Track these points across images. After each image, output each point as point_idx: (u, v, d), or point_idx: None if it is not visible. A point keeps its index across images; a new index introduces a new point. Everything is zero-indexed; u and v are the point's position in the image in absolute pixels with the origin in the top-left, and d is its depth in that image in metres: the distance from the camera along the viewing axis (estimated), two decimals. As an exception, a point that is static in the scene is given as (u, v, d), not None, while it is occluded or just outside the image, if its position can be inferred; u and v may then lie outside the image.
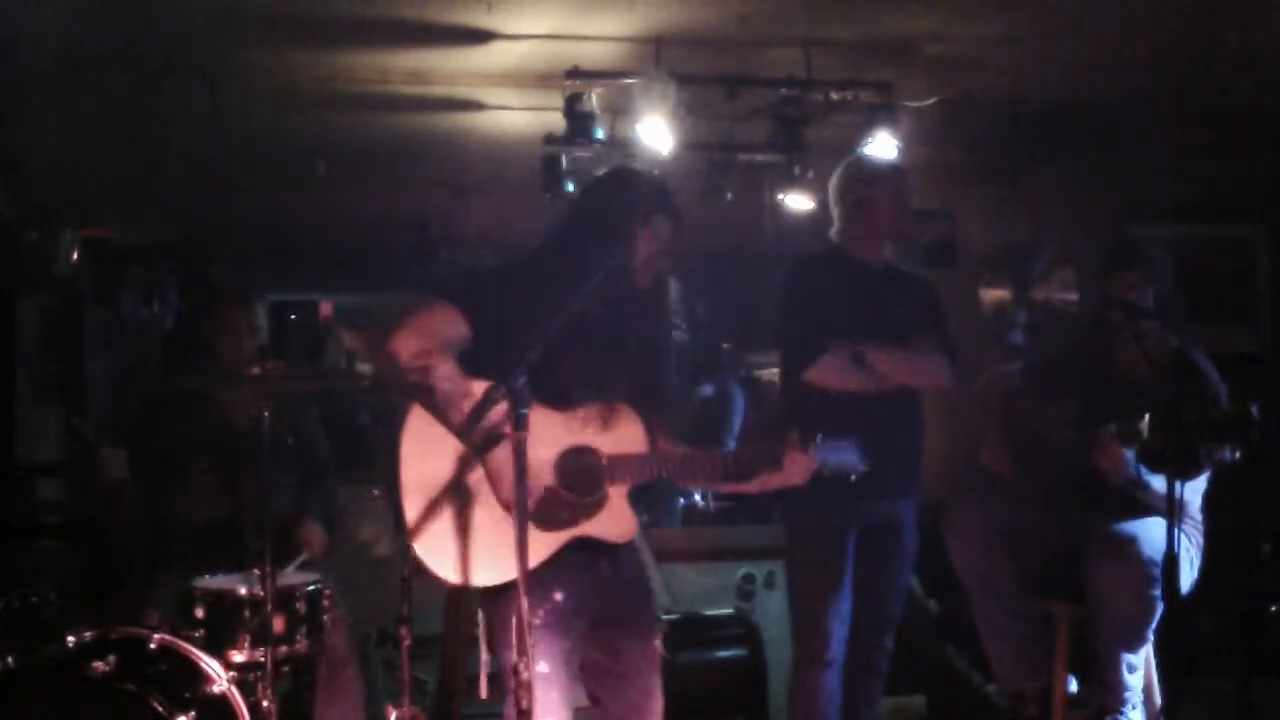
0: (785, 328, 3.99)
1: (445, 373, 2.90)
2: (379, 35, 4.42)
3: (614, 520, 3.02)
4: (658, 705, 3.17)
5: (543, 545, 2.91)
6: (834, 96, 4.61)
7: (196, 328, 4.54)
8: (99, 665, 3.30)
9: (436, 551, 2.92)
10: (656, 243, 3.07)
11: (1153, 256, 4.07)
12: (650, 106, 4.41)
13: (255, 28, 4.28)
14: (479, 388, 2.81)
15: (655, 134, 4.51)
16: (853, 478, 3.20)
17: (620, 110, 4.70)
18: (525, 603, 2.54)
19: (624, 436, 3.02)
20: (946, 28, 4.38)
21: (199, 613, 3.64)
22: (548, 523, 2.93)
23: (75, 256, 6.52)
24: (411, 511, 2.94)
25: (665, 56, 4.45)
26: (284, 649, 3.67)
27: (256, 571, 3.60)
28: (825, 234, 4.08)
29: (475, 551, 2.91)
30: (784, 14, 4.26)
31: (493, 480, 2.92)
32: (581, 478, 2.97)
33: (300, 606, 3.73)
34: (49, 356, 6.81)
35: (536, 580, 2.80)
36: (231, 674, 3.52)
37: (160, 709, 3.27)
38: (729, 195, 5.21)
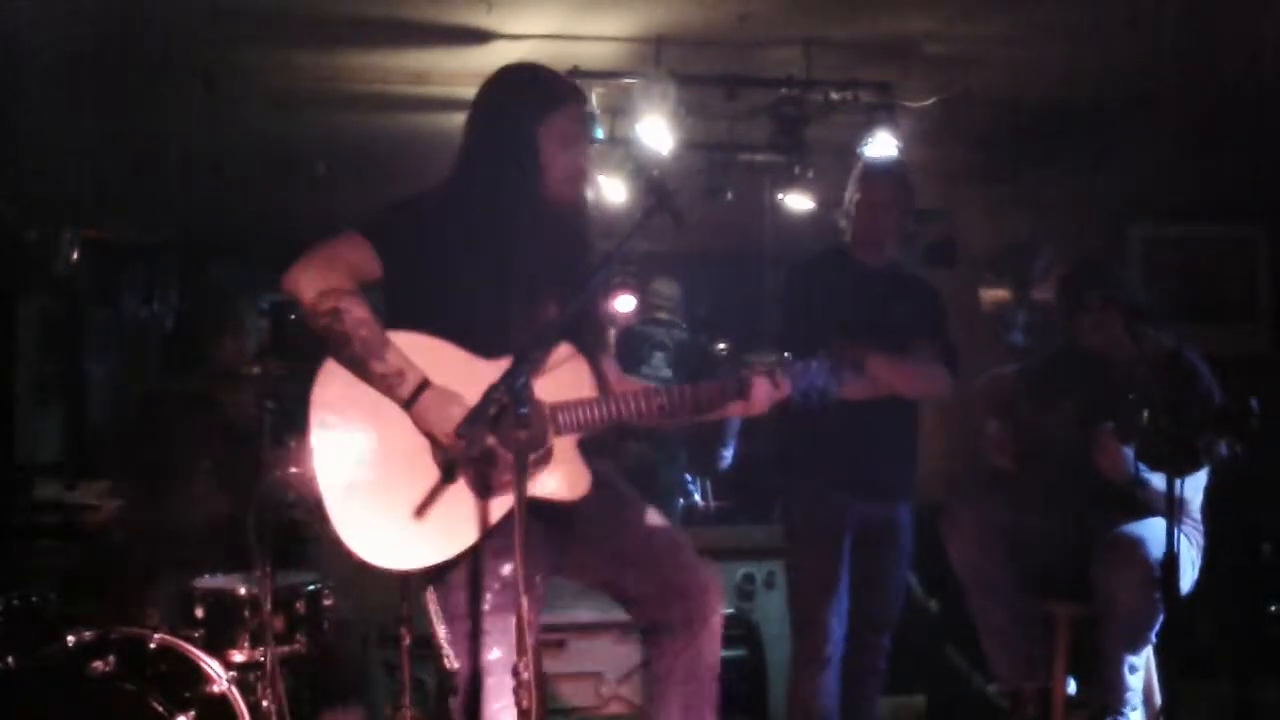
0: (785, 330, 4.00)
1: (361, 317, 2.56)
2: (379, 35, 4.42)
3: (564, 477, 2.67)
4: (690, 553, 2.85)
5: (487, 515, 2.59)
6: (834, 96, 4.61)
7: (196, 328, 4.53)
8: (99, 665, 3.30)
9: (369, 535, 2.57)
10: (566, 142, 2.74)
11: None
12: (650, 106, 4.42)
13: (255, 28, 4.28)
14: (400, 338, 2.59)
15: (655, 134, 4.51)
16: (831, 393, 2.90)
17: (620, 110, 4.70)
18: (525, 601, 2.35)
19: (567, 380, 2.68)
20: (946, 28, 4.38)
21: (199, 613, 3.64)
22: (488, 488, 2.59)
23: (75, 256, 6.52)
24: (332, 493, 2.57)
25: (665, 56, 4.45)
26: (284, 649, 3.67)
27: (256, 571, 3.60)
28: (825, 234, 4.09)
29: (418, 527, 2.57)
30: (784, 14, 4.26)
31: (429, 435, 2.58)
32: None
33: (300, 606, 3.73)
34: (49, 356, 6.81)
35: (490, 555, 2.59)
36: (231, 674, 3.52)
37: (160, 709, 3.27)
38: (729, 195, 5.21)
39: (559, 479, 2.68)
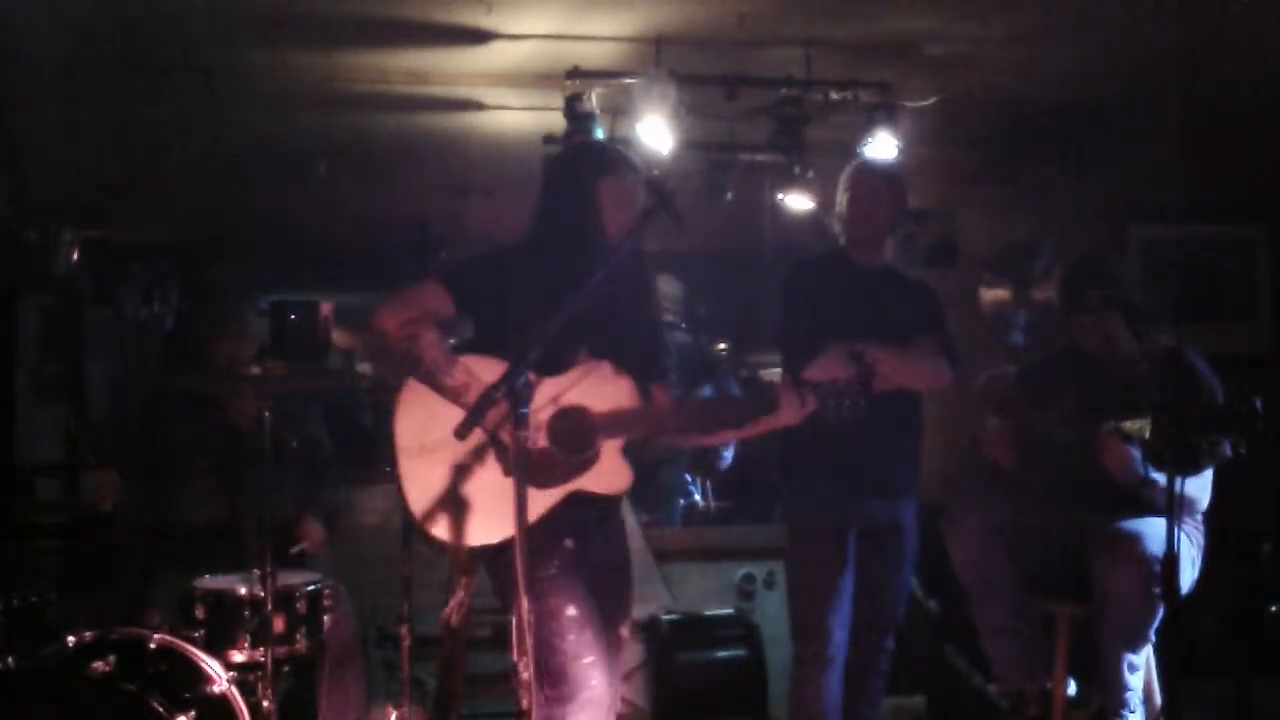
0: (785, 328, 4.00)
1: (431, 340, 3.07)
2: (379, 35, 4.42)
3: (607, 474, 3.14)
4: (614, 693, 3.20)
5: (538, 502, 3.01)
6: (834, 96, 4.61)
7: (196, 328, 4.53)
8: (99, 665, 3.30)
9: (434, 513, 3.05)
10: (619, 199, 3.19)
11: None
12: (650, 106, 4.41)
13: (255, 28, 4.28)
14: (466, 359, 3.07)
15: (655, 134, 4.51)
16: (855, 418, 3.23)
17: (620, 110, 4.70)
18: (525, 601, 2.57)
19: (614, 394, 3.14)
20: (946, 28, 4.38)
21: (199, 613, 3.64)
22: (542, 481, 3.05)
23: (75, 256, 6.52)
24: (409, 477, 3.07)
25: (665, 56, 4.45)
26: (284, 649, 3.67)
27: (256, 571, 3.60)
28: (825, 234, 4.10)
29: (475, 512, 3.03)
30: (784, 14, 4.26)
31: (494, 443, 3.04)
32: (573, 436, 3.09)
33: (300, 606, 3.73)
34: (49, 356, 6.80)
35: (545, 532, 2.99)
36: (231, 674, 3.52)
37: (160, 709, 3.27)
38: (729, 195, 5.21)
39: (604, 475, 3.14)
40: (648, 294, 3.39)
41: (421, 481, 3.07)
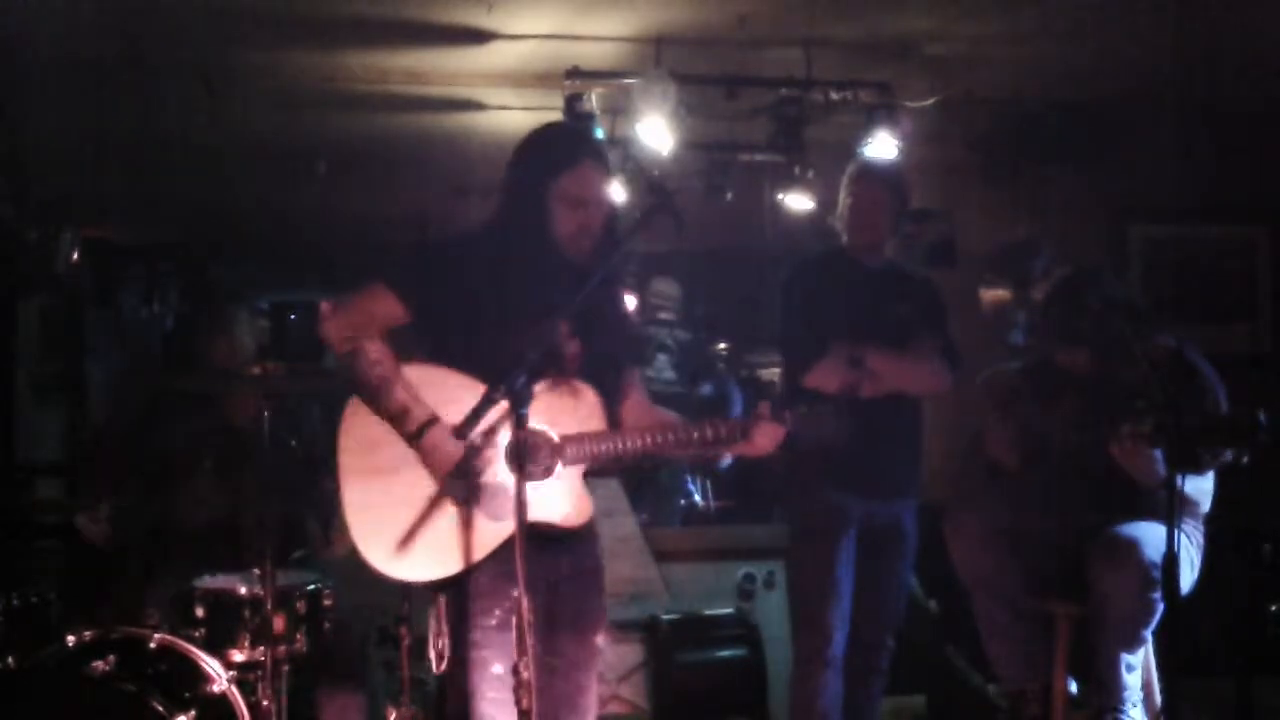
0: (786, 330, 3.99)
1: (375, 357, 2.83)
2: (379, 35, 4.42)
3: (567, 504, 2.89)
4: (590, 702, 3.03)
5: (487, 536, 2.80)
6: (834, 96, 4.61)
7: (196, 328, 4.53)
8: (99, 665, 3.30)
9: (375, 544, 2.82)
10: (575, 198, 2.87)
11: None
12: (650, 106, 4.42)
13: (255, 28, 4.28)
14: (412, 372, 2.83)
15: (655, 134, 4.51)
16: (837, 440, 3.06)
17: (620, 110, 4.71)
18: (525, 601, 2.48)
19: (578, 415, 2.88)
20: (946, 28, 4.38)
21: (199, 613, 3.64)
22: (494, 512, 2.81)
23: (75, 256, 6.53)
24: (351, 505, 2.84)
25: (665, 56, 4.45)
26: (284, 649, 3.67)
27: (256, 571, 3.60)
28: (825, 234, 4.10)
29: (421, 546, 2.80)
30: (784, 14, 4.27)
31: (431, 470, 2.81)
32: (533, 463, 2.80)
33: (300, 606, 3.72)
34: (49, 356, 6.82)
35: (493, 576, 2.78)
36: (231, 674, 3.51)
37: (160, 709, 3.27)
38: (729, 195, 5.21)
39: (562, 506, 2.88)
40: (612, 294, 3.04)
41: (364, 510, 2.83)
